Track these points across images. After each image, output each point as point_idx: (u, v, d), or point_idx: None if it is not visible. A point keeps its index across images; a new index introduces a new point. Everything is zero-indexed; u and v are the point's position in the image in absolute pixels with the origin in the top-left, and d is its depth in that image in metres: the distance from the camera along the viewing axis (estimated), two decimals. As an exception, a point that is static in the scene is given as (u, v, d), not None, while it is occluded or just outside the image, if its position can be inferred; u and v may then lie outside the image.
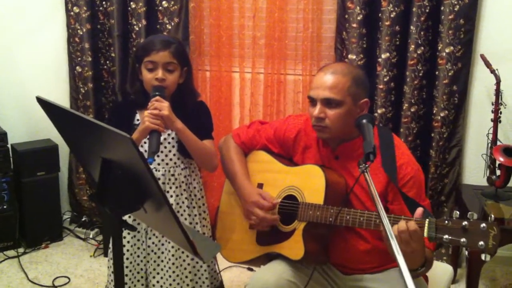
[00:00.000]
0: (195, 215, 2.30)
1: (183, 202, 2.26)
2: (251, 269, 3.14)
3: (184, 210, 2.26)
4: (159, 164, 2.21)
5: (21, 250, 3.38)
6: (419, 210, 1.71)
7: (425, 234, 1.66)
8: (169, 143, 2.22)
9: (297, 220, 1.99)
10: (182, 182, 2.25)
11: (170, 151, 2.22)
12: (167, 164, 2.22)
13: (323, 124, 1.93)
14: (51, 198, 3.49)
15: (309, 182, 2.00)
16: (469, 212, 1.61)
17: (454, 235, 1.60)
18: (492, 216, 1.58)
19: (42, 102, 1.52)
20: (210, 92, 3.45)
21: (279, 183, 2.10)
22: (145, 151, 2.13)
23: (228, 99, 3.43)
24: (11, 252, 3.35)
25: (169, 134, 2.21)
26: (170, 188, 2.23)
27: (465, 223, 1.58)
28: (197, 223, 2.30)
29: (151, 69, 2.13)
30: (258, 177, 2.17)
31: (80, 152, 1.71)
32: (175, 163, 2.23)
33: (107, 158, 1.44)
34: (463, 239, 1.58)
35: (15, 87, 3.55)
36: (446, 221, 1.62)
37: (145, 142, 2.16)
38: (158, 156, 2.18)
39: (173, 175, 2.23)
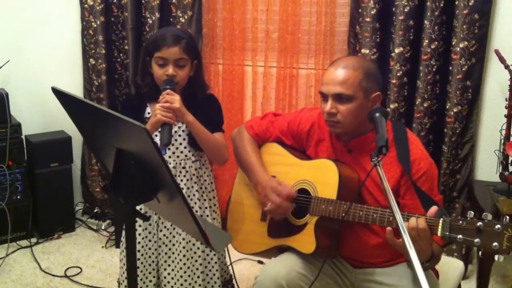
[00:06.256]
0: (206, 208, 2.31)
1: (194, 195, 2.26)
2: (261, 262, 3.14)
3: (195, 203, 2.27)
4: (170, 157, 2.22)
5: (34, 240, 3.41)
6: (434, 209, 1.69)
7: (439, 233, 1.65)
8: (179, 135, 2.22)
9: (309, 214, 1.99)
10: (193, 174, 2.26)
11: (181, 143, 2.23)
12: (178, 156, 2.23)
13: (335, 120, 1.93)
14: (64, 189, 3.51)
15: (323, 177, 1.99)
16: (484, 213, 1.59)
17: (468, 235, 1.59)
18: (507, 217, 1.56)
19: (58, 93, 1.52)
20: (222, 86, 3.46)
21: (292, 176, 2.09)
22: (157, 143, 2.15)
23: (240, 92, 3.44)
24: (24, 242, 3.38)
25: (179, 127, 2.22)
26: (181, 180, 2.24)
27: (479, 223, 1.57)
28: (208, 216, 2.30)
29: (161, 65, 2.12)
30: (271, 169, 2.16)
31: (95, 142, 1.71)
32: (186, 155, 2.24)
33: (121, 149, 1.45)
34: (476, 240, 1.57)
35: (29, 79, 3.57)
36: (461, 221, 1.61)
37: (156, 135, 2.16)
38: (169, 148, 2.19)
39: (184, 167, 2.24)
